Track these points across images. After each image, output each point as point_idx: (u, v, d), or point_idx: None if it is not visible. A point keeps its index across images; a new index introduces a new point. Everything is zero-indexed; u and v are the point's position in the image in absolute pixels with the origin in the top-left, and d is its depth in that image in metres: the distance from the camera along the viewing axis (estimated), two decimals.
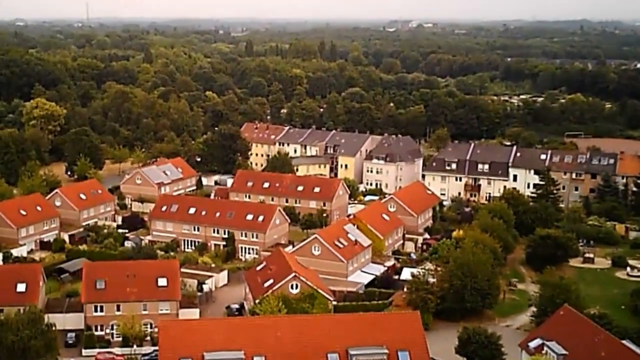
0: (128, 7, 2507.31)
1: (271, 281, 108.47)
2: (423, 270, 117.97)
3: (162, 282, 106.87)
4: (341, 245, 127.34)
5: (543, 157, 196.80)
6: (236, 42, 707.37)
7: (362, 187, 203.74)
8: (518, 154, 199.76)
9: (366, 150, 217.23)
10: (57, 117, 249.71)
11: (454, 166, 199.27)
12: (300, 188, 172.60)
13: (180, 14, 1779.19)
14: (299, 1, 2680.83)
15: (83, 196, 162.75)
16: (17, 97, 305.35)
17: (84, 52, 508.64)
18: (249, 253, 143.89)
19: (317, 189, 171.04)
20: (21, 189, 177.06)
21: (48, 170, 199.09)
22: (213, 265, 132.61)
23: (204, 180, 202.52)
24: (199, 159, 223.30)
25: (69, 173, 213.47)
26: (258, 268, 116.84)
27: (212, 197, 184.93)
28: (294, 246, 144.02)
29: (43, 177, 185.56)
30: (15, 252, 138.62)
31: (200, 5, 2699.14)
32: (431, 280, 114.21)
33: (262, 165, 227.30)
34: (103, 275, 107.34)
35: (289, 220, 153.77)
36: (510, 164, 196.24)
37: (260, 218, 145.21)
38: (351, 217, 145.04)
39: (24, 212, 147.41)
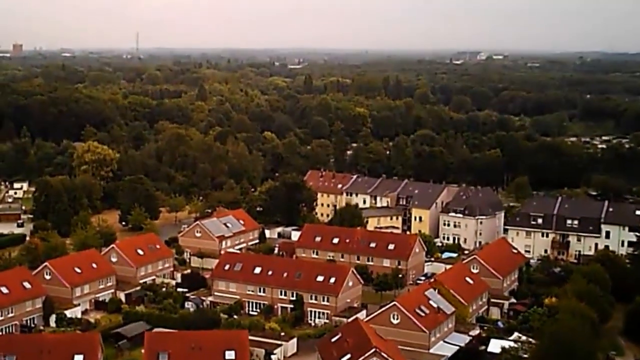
0: (178, 36, 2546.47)
1: (349, 356, 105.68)
2: (516, 345, 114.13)
3: (230, 355, 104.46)
4: (422, 314, 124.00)
5: (639, 212, 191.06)
6: (293, 76, 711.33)
7: (438, 242, 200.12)
8: (610, 209, 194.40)
9: (442, 202, 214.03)
10: (109, 162, 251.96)
11: (539, 221, 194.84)
12: (372, 244, 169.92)
13: (232, 44, 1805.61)
14: (358, 30, 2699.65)
15: (140, 251, 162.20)
16: (66, 137, 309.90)
17: (134, 88, 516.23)
18: (319, 317, 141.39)
19: (391, 246, 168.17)
20: (74, 241, 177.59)
21: (101, 219, 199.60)
22: (282, 332, 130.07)
23: (267, 233, 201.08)
24: (260, 209, 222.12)
25: (123, 223, 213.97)
26: (333, 339, 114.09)
27: (275, 251, 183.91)
28: (367, 310, 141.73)
29: (97, 228, 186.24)
30: (69, 313, 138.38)
31: (253, 35, 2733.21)
32: (524, 355, 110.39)
33: (328, 216, 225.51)
34: (166, 347, 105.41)
35: (362, 282, 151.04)
36: (602, 220, 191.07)
37: (332, 280, 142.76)
38: (432, 281, 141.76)
39: (78, 270, 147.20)
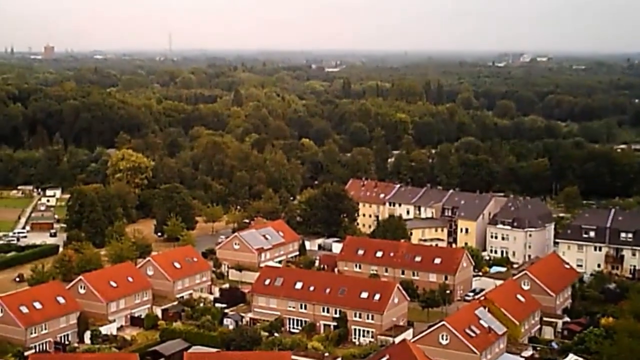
0: (211, 37, 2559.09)
1: None
2: None
3: None
4: (473, 334, 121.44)
5: None
6: (331, 79, 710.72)
7: (485, 256, 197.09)
8: None
9: (489, 213, 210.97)
10: (144, 169, 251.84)
11: (592, 234, 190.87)
12: (418, 258, 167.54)
13: (267, 45, 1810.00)
14: (397, 31, 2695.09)
15: (177, 265, 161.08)
16: (100, 143, 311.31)
17: (168, 92, 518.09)
18: (364, 336, 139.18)
19: (437, 260, 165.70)
20: (109, 253, 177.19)
21: (136, 231, 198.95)
22: (326, 353, 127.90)
23: (307, 244, 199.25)
24: (299, 219, 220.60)
25: (158, 234, 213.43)
26: None
27: (316, 264, 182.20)
28: (414, 328, 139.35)
29: (132, 240, 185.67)
30: (104, 329, 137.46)
31: (288, 35, 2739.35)
32: None
33: (370, 226, 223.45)
34: None
35: (408, 298, 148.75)
36: None
37: (377, 296, 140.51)
38: (482, 299, 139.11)
39: (114, 284, 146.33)
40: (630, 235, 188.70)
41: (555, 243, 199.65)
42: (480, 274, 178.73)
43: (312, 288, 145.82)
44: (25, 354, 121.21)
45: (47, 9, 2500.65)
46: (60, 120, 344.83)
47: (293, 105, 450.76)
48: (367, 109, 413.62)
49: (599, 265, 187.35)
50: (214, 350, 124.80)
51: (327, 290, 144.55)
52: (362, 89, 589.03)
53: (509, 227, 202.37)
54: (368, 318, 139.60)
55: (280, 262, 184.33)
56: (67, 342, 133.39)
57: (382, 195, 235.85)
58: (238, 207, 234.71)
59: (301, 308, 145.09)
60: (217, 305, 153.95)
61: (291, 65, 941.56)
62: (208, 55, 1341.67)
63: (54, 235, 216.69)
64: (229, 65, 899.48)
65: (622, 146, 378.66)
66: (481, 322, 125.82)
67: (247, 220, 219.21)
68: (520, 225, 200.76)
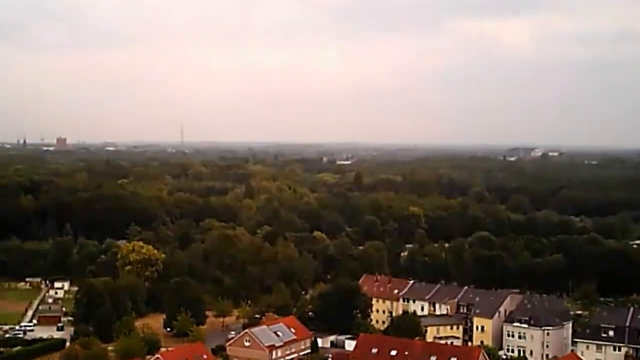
0: (223, 129, 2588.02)
1: None
2: None
3: None
4: None
5: None
6: (342, 172, 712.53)
7: (502, 355, 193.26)
8: None
9: (505, 311, 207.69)
10: (154, 262, 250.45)
11: (611, 333, 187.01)
12: (433, 358, 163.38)
13: (278, 137, 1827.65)
14: (406, 125, 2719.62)
15: None
16: (110, 235, 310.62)
17: (179, 184, 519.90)
18: None
19: (453, 359, 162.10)
20: (117, 349, 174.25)
21: (145, 325, 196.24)
22: None
23: (319, 341, 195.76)
24: (311, 314, 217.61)
25: (168, 329, 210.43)
26: None
27: None
28: None
29: (141, 335, 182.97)
30: None
31: (300, 128, 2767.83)
32: None
33: (384, 323, 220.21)
34: None
35: None
36: None
37: None
38: None
39: None
40: None
41: (574, 342, 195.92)
42: None
43: None
44: None
45: (60, 102, 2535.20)
46: (71, 212, 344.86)
47: (305, 198, 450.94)
48: (378, 202, 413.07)
49: None
50: None
51: None
52: (373, 181, 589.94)
53: (525, 325, 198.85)
54: None
55: None
56: None
57: (395, 291, 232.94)
58: (249, 301, 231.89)
59: None
60: None
61: (302, 158, 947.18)
62: (220, 148, 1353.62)
63: (61, 329, 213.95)
64: (240, 157, 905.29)
65: (638, 242, 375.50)
66: None
67: (258, 316, 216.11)
68: (537, 324, 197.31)
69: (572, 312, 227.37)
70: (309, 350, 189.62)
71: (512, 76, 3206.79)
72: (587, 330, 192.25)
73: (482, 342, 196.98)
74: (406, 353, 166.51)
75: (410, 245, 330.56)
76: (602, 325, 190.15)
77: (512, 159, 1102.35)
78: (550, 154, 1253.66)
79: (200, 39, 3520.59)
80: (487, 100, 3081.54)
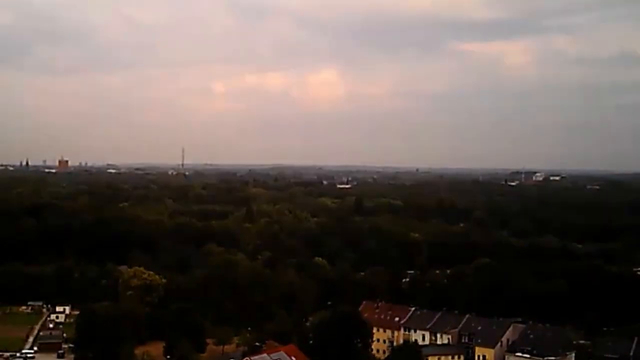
0: (224, 152, 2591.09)
1: None
2: None
3: None
4: None
5: None
6: (343, 196, 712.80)
7: None
8: None
9: (507, 340, 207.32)
10: (156, 287, 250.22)
11: None
12: None
13: (277, 160, 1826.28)
14: (407, 149, 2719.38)
15: None
16: (111, 259, 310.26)
17: (180, 207, 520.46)
18: None
19: None
20: None
21: (146, 353, 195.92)
22: None
23: None
24: (312, 342, 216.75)
25: (168, 356, 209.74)
26: None
27: None
28: None
29: None
30: None
31: (299, 152, 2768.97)
32: None
33: (384, 352, 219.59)
34: None
35: None
36: None
37: None
38: None
39: None
40: None
41: None
42: None
43: None
44: None
45: (62, 124, 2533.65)
46: (73, 235, 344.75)
47: (305, 222, 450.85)
48: (379, 227, 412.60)
49: None
50: None
51: None
52: (374, 205, 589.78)
53: (528, 355, 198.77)
54: None
55: None
56: None
57: (396, 319, 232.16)
58: (249, 327, 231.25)
59: None
60: None
61: (303, 181, 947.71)
62: (220, 170, 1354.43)
63: (61, 355, 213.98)
64: (240, 180, 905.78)
65: None
66: None
67: (258, 343, 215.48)
68: (540, 354, 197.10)
69: (575, 342, 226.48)
70: None
71: (514, 99, 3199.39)
72: None
73: None
74: None
75: (412, 272, 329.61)
76: (605, 355, 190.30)
77: (514, 183, 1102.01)
78: (552, 178, 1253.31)
79: (202, 63, 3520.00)
80: (489, 124, 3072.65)
